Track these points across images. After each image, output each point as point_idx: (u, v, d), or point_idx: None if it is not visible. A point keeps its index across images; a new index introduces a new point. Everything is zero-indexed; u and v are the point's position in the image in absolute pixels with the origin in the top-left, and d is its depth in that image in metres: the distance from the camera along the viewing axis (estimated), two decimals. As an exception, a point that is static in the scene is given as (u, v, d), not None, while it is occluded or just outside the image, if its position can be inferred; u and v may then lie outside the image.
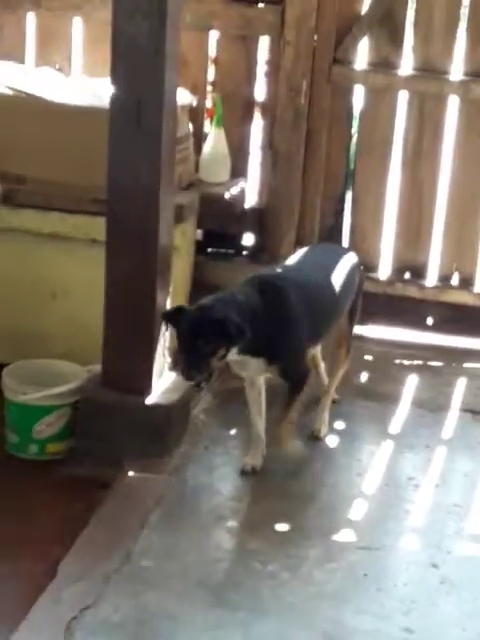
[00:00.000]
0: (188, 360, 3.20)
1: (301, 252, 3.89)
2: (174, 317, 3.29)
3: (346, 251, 3.99)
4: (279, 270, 3.65)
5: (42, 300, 3.88)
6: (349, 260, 3.81)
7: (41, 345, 3.81)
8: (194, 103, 4.22)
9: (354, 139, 4.61)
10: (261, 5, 4.39)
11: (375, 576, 3.06)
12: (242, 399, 3.84)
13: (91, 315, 3.64)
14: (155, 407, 3.52)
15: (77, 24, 4.48)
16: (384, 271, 4.69)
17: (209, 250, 4.49)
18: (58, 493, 3.39)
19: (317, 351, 3.87)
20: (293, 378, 3.49)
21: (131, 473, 3.48)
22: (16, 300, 3.89)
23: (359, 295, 3.82)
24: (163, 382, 3.71)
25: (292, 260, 3.79)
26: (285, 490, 3.52)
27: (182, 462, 3.58)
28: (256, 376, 3.52)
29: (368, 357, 4.48)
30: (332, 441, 3.86)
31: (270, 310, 3.28)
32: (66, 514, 3.26)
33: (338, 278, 3.65)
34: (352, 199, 4.64)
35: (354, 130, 4.60)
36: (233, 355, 3.24)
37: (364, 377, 4.34)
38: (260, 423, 3.55)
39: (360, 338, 4.48)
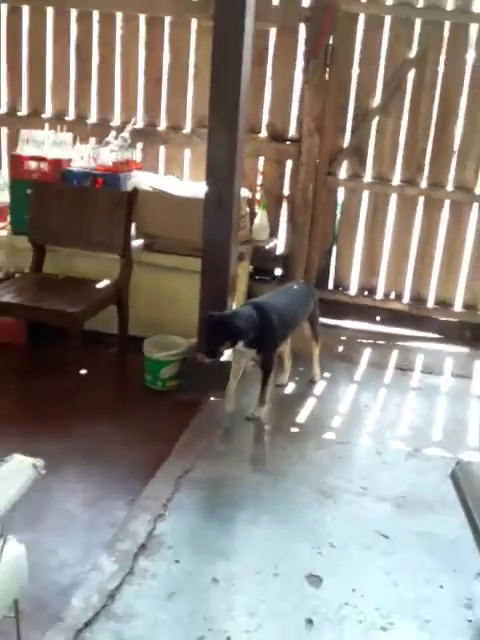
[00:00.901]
0: (210, 345, 3.18)
1: (280, 288, 3.87)
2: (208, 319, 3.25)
3: (307, 287, 3.94)
4: (266, 298, 3.55)
5: (165, 303, 3.97)
6: (307, 292, 3.79)
7: (164, 327, 3.83)
8: (250, 196, 4.27)
9: (338, 217, 4.60)
10: (288, 143, 4.39)
11: (347, 458, 3.14)
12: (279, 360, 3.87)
13: (190, 311, 3.65)
14: (223, 363, 3.49)
15: (187, 153, 4.50)
16: (353, 290, 4.66)
17: (256, 277, 4.47)
18: (172, 409, 3.43)
19: (286, 348, 3.74)
20: (266, 367, 3.38)
21: (211, 398, 3.52)
22: (152, 302, 3.98)
23: (315, 310, 3.73)
24: (229, 350, 3.71)
25: (274, 292, 3.72)
26: (295, 409, 3.54)
27: (238, 393, 3.54)
28: (245, 360, 3.42)
29: (343, 338, 4.46)
30: (321, 384, 3.85)
31: (261, 321, 3.22)
32: (176, 421, 3.28)
33: (298, 302, 3.63)
34: (336, 251, 4.63)
35: (338, 212, 4.59)
36: (240, 346, 3.20)
37: (340, 349, 4.34)
38: (234, 384, 3.42)
39: (338, 327, 4.54)
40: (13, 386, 3.61)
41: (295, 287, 3.82)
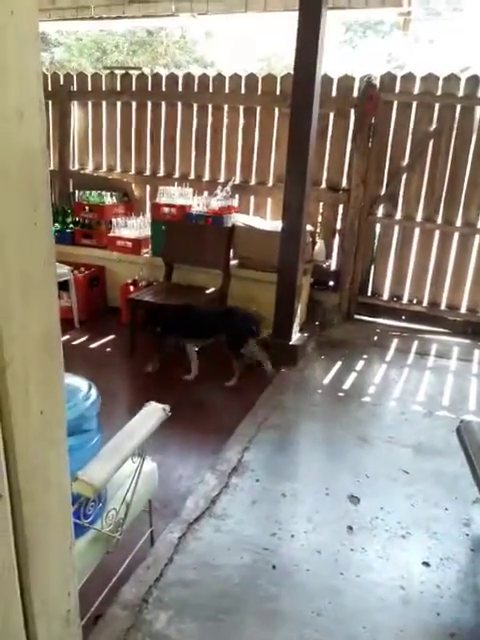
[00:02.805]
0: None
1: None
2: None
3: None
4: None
5: (251, 303, 3.85)
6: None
7: None
8: (312, 229, 4.19)
9: (375, 245, 4.46)
10: (340, 192, 4.29)
11: (379, 415, 3.07)
12: (333, 342, 3.84)
13: (269, 310, 3.61)
14: (293, 345, 3.49)
15: (269, 200, 4.46)
16: (385, 296, 4.49)
17: (315, 287, 4.37)
18: (255, 377, 3.38)
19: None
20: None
21: (283, 370, 3.47)
22: (243, 303, 3.87)
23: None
24: (295, 337, 3.69)
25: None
26: (342, 380, 3.46)
27: (302, 367, 3.53)
28: None
29: (377, 331, 4.30)
30: (361, 362, 3.71)
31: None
32: (258, 384, 3.26)
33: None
34: (374, 268, 4.48)
35: (376, 241, 4.45)
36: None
37: (375, 339, 4.18)
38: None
39: (374, 323, 4.40)
40: (150, 357, 3.70)
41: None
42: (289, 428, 2.86)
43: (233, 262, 4.05)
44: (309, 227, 4.00)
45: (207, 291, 3.89)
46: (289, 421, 2.91)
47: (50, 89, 4.70)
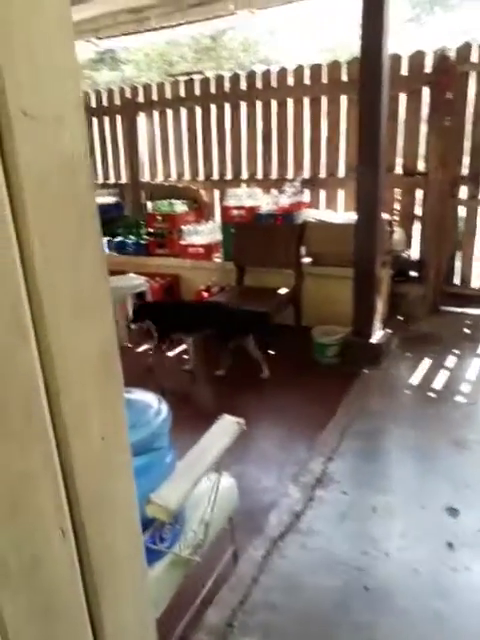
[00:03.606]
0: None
1: None
2: None
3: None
4: None
5: (327, 302, 3.76)
6: None
7: (327, 319, 3.61)
8: (389, 218, 3.94)
9: (460, 229, 4.13)
10: (417, 176, 4.01)
11: (475, 416, 2.80)
12: (419, 337, 3.59)
13: (346, 307, 3.43)
14: (374, 343, 3.31)
15: (340, 192, 4.28)
16: (475, 284, 4.15)
17: (396, 279, 4.08)
18: (336, 379, 3.20)
19: None
20: None
21: (365, 371, 3.27)
22: (318, 302, 3.80)
23: None
24: (377, 334, 3.48)
25: None
26: (432, 378, 3.19)
27: (386, 366, 3.32)
28: None
29: (468, 322, 3.95)
30: (451, 358, 3.41)
31: None
32: (339, 388, 3.08)
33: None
34: (460, 255, 4.15)
35: (460, 224, 4.11)
36: None
37: (466, 331, 3.83)
38: None
39: (463, 314, 4.05)
40: (225, 358, 3.64)
41: None
42: (376, 434, 2.66)
43: (306, 260, 3.90)
44: (385, 216, 3.77)
45: (280, 292, 3.77)
46: (375, 427, 2.72)
47: (118, 103, 4.81)
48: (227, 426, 1.51)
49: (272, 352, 3.51)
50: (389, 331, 3.59)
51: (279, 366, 3.38)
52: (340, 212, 4.24)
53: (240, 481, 1.77)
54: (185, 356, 3.59)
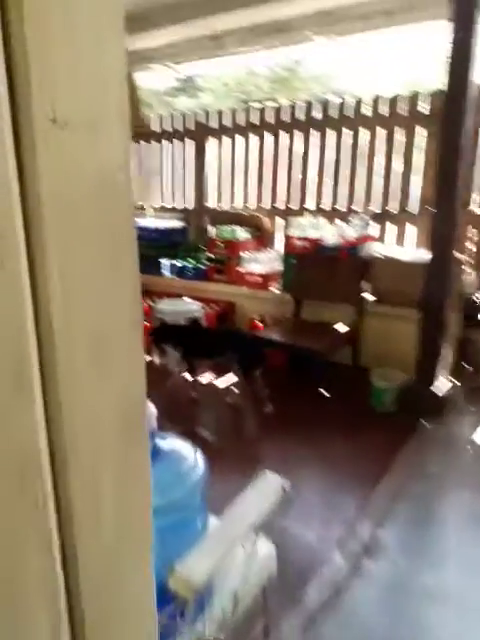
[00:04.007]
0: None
1: None
2: None
3: None
4: None
5: (388, 343, 3.53)
6: None
7: (387, 361, 3.38)
8: (462, 258, 3.64)
9: None
10: None
11: None
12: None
13: (408, 350, 3.17)
14: (437, 393, 3.05)
15: (411, 229, 4.05)
16: None
17: (466, 322, 3.69)
18: (392, 429, 2.96)
19: None
20: None
21: (425, 423, 2.98)
22: (378, 342, 3.59)
23: None
24: (441, 383, 3.20)
25: None
26: None
27: (448, 420, 3.03)
28: None
29: None
30: None
31: None
32: (395, 439, 2.83)
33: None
34: None
35: None
36: None
37: None
38: None
39: None
40: (275, 400, 3.46)
41: None
42: (433, 499, 2.38)
43: (368, 297, 3.69)
44: (458, 255, 3.51)
45: (338, 329, 3.57)
46: (433, 489, 2.44)
47: (189, 128, 4.85)
48: (269, 488, 1.34)
49: (325, 392, 3.31)
50: (454, 380, 3.30)
51: (331, 408, 3.17)
52: (409, 249, 4.00)
53: (280, 536, 1.59)
54: (225, 383, 3.44)
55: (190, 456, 1.24)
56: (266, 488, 1.34)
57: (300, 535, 2.12)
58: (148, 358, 3.62)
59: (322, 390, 3.32)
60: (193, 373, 3.43)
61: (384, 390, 3.19)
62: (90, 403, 0.62)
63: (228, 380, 3.42)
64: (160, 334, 3.32)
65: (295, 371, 3.73)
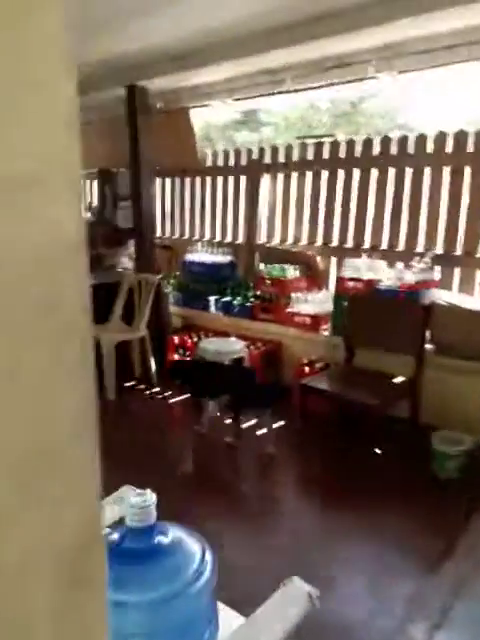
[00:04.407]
0: None
1: None
2: None
3: None
4: None
5: (452, 399, 3.19)
6: None
7: (450, 420, 3.04)
8: None
9: None
10: None
11: None
12: None
13: (475, 410, 2.87)
14: None
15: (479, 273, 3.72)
16: None
17: None
18: (454, 503, 2.61)
19: None
20: None
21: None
22: (440, 398, 3.23)
23: None
24: None
25: None
26: None
27: None
28: None
29: None
30: None
31: None
32: (457, 516, 2.46)
33: None
34: None
35: None
36: None
37: None
38: None
39: None
40: (318, 454, 3.19)
41: None
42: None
43: (429, 347, 3.38)
44: None
45: (395, 381, 3.27)
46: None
47: (244, 164, 4.78)
48: (294, 598, 1.09)
49: (377, 451, 3.00)
50: None
51: (384, 471, 2.87)
52: (477, 297, 3.67)
53: (304, 624, 1.32)
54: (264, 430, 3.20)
55: (196, 555, 1.01)
56: (290, 598, 1.10)
57: (337, 621, 1.82)
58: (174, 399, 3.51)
59: (374, 449, 3.02)
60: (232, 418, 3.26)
61: (448, 455, 2.83)
62: (11, 542, 0.44)
63: (266, 426, 3.20)
64: (175, 371, 3.34)
65: (344, 423, 3.44)
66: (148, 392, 4.04)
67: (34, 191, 0.40)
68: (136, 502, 0.86)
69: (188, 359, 3.68)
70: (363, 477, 2.84)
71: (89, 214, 5.96)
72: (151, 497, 0.95)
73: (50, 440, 0.45)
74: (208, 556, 1.03)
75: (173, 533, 1.05)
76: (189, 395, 3.34)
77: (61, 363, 0.45)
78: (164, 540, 1.01)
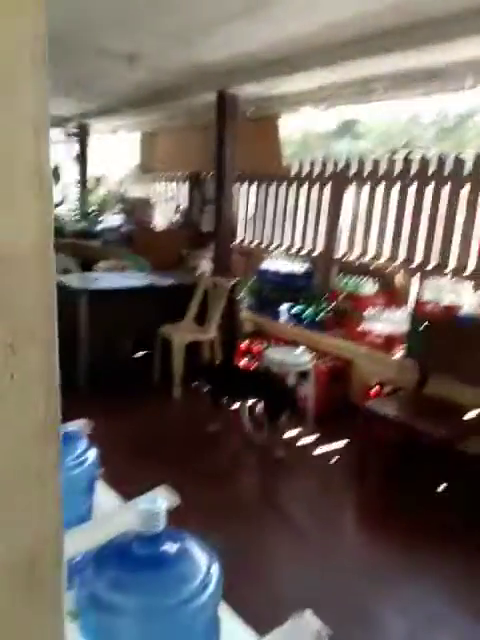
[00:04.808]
0: None
1: None
2: None
3: None
4: None
5: None
6: None
7: None
8: None
9: None
10: None
11: None
12: None
13: None
14: None
15: None
16: None
17: None
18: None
19: None
20: None
21: None
22: None
23: None
24: None
25: None
26: None
27: None
28: None
29: None
30: None
31: None
32: None
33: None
34: None
35: None
36: None
37: None
38: None
39: None
40: (377, 482, 3.02)
41: None
42: None
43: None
44: None
45: (469, 414, 3.02)
46: None
47: (327, 175, 4.69)
48: (300, 636, 1.02)
49: (444, 488, 2.80)
50: None
51: (449, 511, 2.66)
52: None
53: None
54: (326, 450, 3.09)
55: (202, 566, 0.96)
56: (297, 634, 1.02)
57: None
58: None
59: (439, 485, 2.81)
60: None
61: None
62: None
63: (330, 446, 3.11)
64: (196, 373, 3.52)
65: (409, 453, 3.24)
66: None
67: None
68: (145, 507, 0.84)
69: (213, 363, 3.91)
70: (423, 513, 2.65)
71: (177, 216, 6.16)
72: (162, 503, 0.92)
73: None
74: (214, 569, 0.98)
75: (182, 542, 1.01)
76: (212, 396, 3.44)
77: (16, 372, 0.43)
78: (172, 548, 0.98)
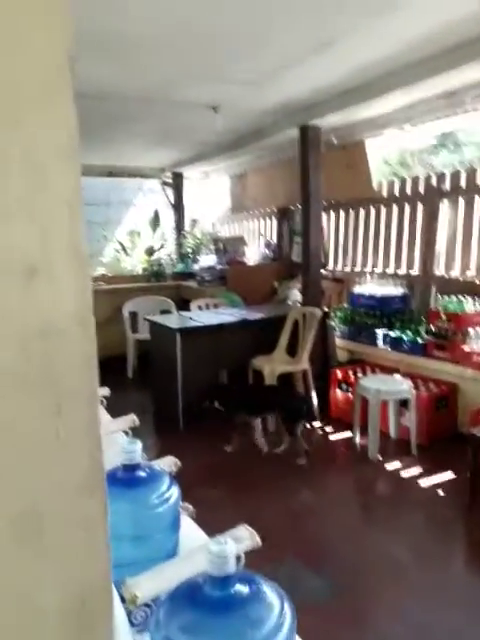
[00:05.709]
0: None
1: None
2: None
3: None
4: None
5: None
6: None
7: None
8: None
9: None
10: None
11: None
12: None
13: None
14: None
15: None
16: None
17: None
18: None
19: None
20: None
21: None
22: None
23: None
24: None
25: None
26: None
27: None
28: None
29: None
30: None
31: None
32: None
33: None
34: None
35: None
36: None
37: None
38: None
39: None
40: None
41: None
42: None
43: None
44: None
45: None
46: None
47: (421, 191, 4.55)
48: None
49: None
50: None
51: None
52: None
53: None
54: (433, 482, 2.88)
55: (275, 606, 0.96)
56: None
57: None
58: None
59: None
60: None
61: None
62: (15, 591, 0.48)
63: (436, 477, 2.92)
64: (212, 394, 3.49)
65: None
66: (308, 426, 4.02)
67: (37, 277, 0.45)
68: (215, 550, 0.82)
69: (222, 383, 3.94)
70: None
71: (267, 250, 6.32)
72: (231, 547, 0.92)
73: (54, 495, 0.49)
74: (287, 607, 0.99)
75: (253, 583, 1.02)
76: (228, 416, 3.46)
77: (62, 430, 0.48)
78: (243, 590, 0.99)
